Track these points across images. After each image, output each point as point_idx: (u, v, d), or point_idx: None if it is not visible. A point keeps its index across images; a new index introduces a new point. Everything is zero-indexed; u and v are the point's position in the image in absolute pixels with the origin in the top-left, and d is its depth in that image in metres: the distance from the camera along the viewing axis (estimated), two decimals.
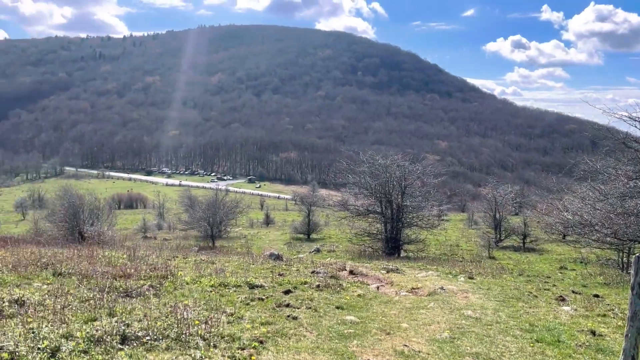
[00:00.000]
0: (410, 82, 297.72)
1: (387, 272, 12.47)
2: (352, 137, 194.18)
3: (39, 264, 8.70)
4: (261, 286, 8.53)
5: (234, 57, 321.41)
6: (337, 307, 7.68)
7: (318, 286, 9.12)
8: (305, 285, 9.06)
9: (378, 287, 10.24)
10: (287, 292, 8.31)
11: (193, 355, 4.74)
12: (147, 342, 4.93)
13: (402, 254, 22.51)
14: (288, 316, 6.70)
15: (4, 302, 5.65)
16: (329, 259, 17.92)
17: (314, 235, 35.64)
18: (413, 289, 10.20)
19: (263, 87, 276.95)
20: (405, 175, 23.28)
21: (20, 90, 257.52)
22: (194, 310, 6.19)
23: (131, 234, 37.69)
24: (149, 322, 5.41)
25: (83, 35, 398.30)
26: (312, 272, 10.96)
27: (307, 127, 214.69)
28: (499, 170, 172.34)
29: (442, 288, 10.02)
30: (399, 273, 12.43)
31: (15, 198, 75.06)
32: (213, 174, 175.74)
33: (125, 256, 10.98)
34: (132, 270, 8.50)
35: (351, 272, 11.79)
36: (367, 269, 12.53)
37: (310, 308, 7.33)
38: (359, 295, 8.87)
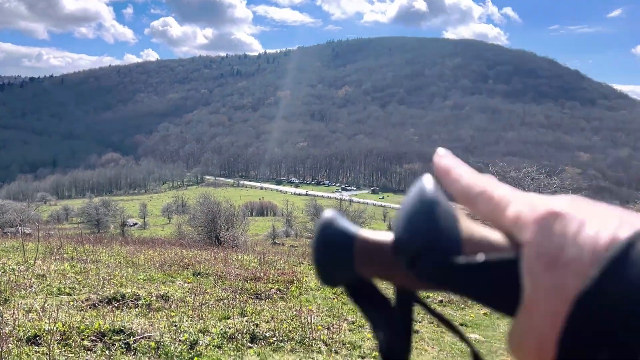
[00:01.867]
0: (547, 90, 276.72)
1: None
2: (482, 149, 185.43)
3: (181, 264, 9.54)
4: None
5: (360, 70, 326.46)
6: (461, 324, 7.35)
7: (441, 301, 8.83)
8: (428, 300, 8.79)
9: None
10: None
11: (315, 359, 4.83)
12: (273, 343, 5.14)
13: None
14: None
15: (152, 297, 6.25)
16: None
17: None
18: None
19: (389, 99, 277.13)
20: (540, 189, 21.63)
21: (168, 105, 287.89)
22: (317, 316, 6.32)
23: (262, 239, 39.76)
24: (276, 324, 5.63)
25: (222, 54, 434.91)
26: None
27: (432, 138, 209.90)
28: None
29: None
30: None
31: (162, 204, 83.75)
32: (338, 184, 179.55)
33: (256, 260, 11.59)
34: (262, 274, 8.94)
35: None
36: None
37: (432, 323, 7.10)
38: (484, 314, 8.40)
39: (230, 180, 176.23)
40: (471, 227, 0.36)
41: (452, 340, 6.40)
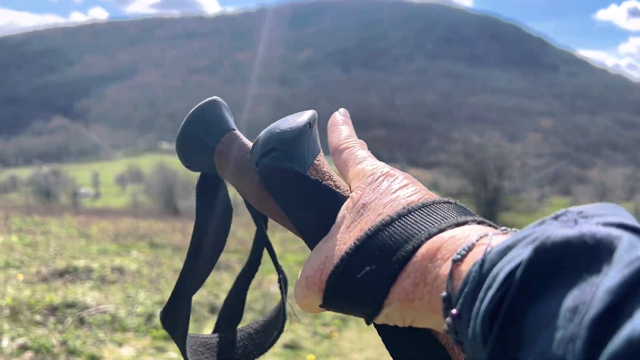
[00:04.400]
0: (510, 55, 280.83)
1: None
2: (445, 114, 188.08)
3: (136, 234, 9.31)
4: None
5: (322, 32, 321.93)
6: None
7: None
8: None
9: None
10: None
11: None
12: None
13: None
14: None
15: (106, 270, 6.08)
16: None
17: None
18: None
19: (352, 62, 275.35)
20: (502, 155, 22.10)
21: (119, 68, 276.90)
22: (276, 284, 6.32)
23: None
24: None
25: (175, 12, 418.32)
26: None
27: (396, 104, 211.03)
28: (609, 151, 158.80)
29: None
30: None
31: (115, 172, 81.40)
32: None
33: None
34: None
35: None
36: None
37: None
38: None
39: None
40: (325, 164, 0.43)
41: None
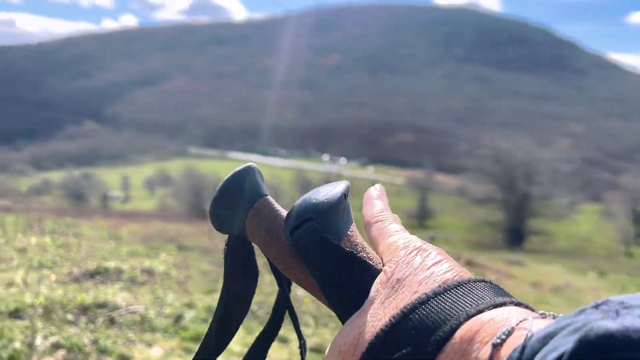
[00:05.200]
0: (540, 60, 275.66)
1: (508, 264, 11.80)
2: (473, 119, 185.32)
3: (165, 237, 9.44)
4: None
5: (349, 37, 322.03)
6: None
7: None
8: None
9: (496, 280, 9.69)
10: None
11: (303, 332, 4.83)
12: (259, 316, 5.16)
13: (525, 245, 21.08)
14: None
15: (136, 271, 6.17)
16: (443, 247, 17.31)
17: (428, 223, 34.56)
18: (535, 282, 9.54)
19: (379, 67, 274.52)
20: (531, 160, 21.66)
21: (149, 74, 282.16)
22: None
23: None
24: (262, 297, 5.61)
25: (204, 18, 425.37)
26: None
27: (424, 108, 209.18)
28: None
29: (567, 284, 9.27)
30: (521, 266, 11.68)
31: (144, 176, 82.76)
32: (327, 156, 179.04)
33: None
34: None
35: (468, 263, 11.30)
36: (486, 260, 11.93)
37: None
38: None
39: (215, 152, 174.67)
40: (358, 235, 0.43)
41: None
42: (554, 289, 8.84)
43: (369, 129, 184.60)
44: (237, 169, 0.44)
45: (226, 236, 0.46)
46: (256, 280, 0.47)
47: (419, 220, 34.76)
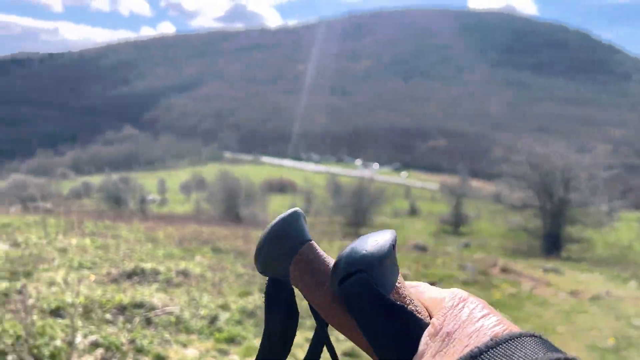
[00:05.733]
0: (578, 63, 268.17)
1: (544, 271, 11.47)
2: (509, 124, 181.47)
3: (200, 240, 9.57)
4: (404, 276, 8.39)
5: (381, 42, 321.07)
6: (490, 304, 7.26)
7: (465, 281, 8.74)
8: (451, 279, 8.70)
9: (533, 288, 9.45)
10: (431, 284, 8.05)
11: (337, 336, 4.78)
12: None
13: (563, 253, 20.46)
14: None
15: (172, 272, 6.27)
16: (478, 254, 17.07)
17: (462, 229, 34.10)
18: (573, 291, 9.24)
19: (411, 72, 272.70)
20: (569, 166, 21.02)
21: (186, 80, 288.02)
22: None
23: None
24: (301, 339, 5.62)
25: (239, 25, 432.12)
26: (459, 266, 10.53)
27: (457, 113, 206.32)
28: None
29: (607, 292, 8.94)
30: (558, 274, 11.32)
31: (180, 180, 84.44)
32: (359, 161, 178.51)
33: None
34: None
35: (503, 270, 11.06)
36: (522, 268, 11.64)
37: None
38: (511, 294, 8.28)
39: (249, 157, 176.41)
40: (405, 286, 0.43)
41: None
42: (593, 298, 8.55)
43: (402, 134, 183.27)
44: (284, 214, 0.45)
45: (267, 278, 0.47)
46: (296, 324, 0.47)
47: (454, 226, 34.28)
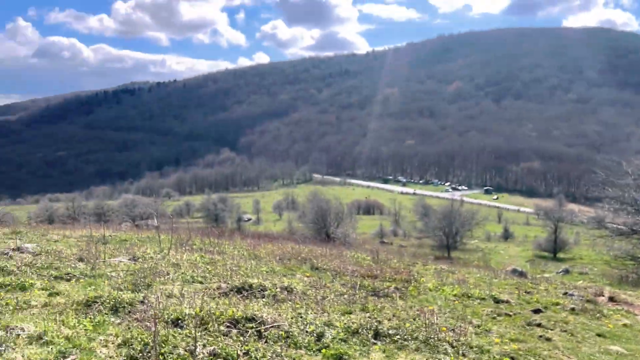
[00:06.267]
0: None
1: None
2: (610, 145, 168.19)
3: (299, 258, 9.87)
4: (507, 302, 8.06)
5: (472, 64, 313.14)
6: (598, 335, 6.78)
7: (573, 309, 8.19)
8: (558, 307, 8.21)
9: None
10: (536, 311, 7.70)
11: None
12: (397, 341, 5.11)
13: None
14: (540, 336, 6.19)
15: (277, 288, 6.53)
16: (580, 281, 15.91)
17: (561, 254, 32.23)
18: None
19: (503, 93, 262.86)
20: None
21: (279, 106, 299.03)
22: (439, 317, 6.17)
23: (369, 238, 39.86)
24: (398, 322, 5.60)
25: (330, 53, 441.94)
26: (564, 293, 9.90)
27: (553, 134, 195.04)
28: None
29: None
30: None
31: (273, 200, 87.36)
32: (447, 183, 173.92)
33: (369, 258, 11.64)
34: (378, 272, 8.94)
35: (611, 299, 10.23)
36: (632, 298, 10.70)
37: (565, 331, 6.64)
38: (624, 325, 7.65)
39: (337, 179, 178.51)
40: None
41: (591, 352, 5.91)
42: None
43: (492, 156, 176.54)
44: None
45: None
46: None
47: (551, 251, 32.48)
